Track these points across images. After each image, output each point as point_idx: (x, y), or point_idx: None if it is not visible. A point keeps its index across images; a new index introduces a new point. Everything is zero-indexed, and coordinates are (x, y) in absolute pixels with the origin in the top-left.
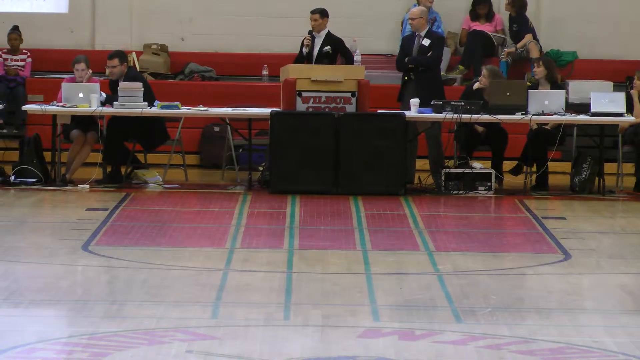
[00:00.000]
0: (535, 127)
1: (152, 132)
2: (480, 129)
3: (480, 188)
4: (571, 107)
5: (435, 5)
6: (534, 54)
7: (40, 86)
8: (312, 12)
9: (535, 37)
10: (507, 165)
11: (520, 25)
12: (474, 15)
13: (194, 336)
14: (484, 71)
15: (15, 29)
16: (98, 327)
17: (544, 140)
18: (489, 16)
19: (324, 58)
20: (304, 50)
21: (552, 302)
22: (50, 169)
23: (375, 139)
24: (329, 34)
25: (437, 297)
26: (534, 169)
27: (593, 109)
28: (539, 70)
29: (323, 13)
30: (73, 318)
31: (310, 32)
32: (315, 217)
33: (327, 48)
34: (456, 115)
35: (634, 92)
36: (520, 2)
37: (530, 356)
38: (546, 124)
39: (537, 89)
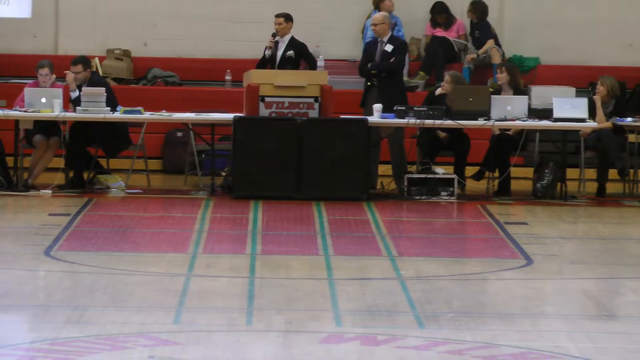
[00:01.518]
0: (497, 132)
1: (114, 138)
2: (442, 134)
3: (442, 193)
4: (534, 113)
5: (397, 10)
6: (496, 59)
7: (3, 91)
8: (277, 16)
9: (497, 43)
10: (470, 170)
11: (482, 31)
12: (434, 23)
13: (157, 341)
14: (447, 77)
15: None
16: (60, 333)
17: (506, 146)
18: (449, 23)
19: (287, 63)
20: (267, 52)
21: (514, 307)
22: (12, 174)
23: (338, 145)
24: (292, 39)
25: (399, 303)
26: (497, 174)
27: (555, 115)
28: (502, 76)
29: (288, 17)
30: (35, 323)
31: (274, 35)
32: (278, 223)
33: (291, 52)
34: (419, 120)
35: (596, 98)
36: (481, 8)
37: None
38: (509, 130)
39: (500, 94)
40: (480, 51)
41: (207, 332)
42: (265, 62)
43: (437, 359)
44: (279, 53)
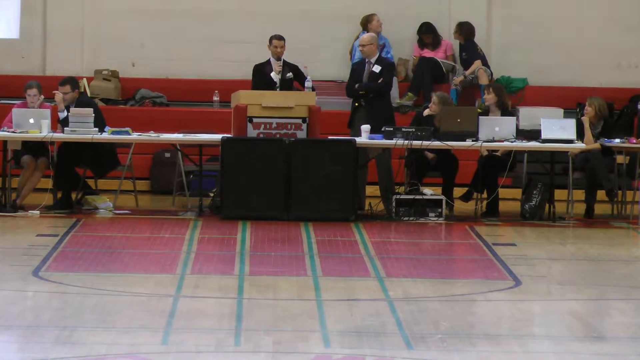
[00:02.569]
0: (485, 153)
1: (102, 158)
2: (430, 155)
3: (430, 214)
4: (522, 134)
5: (384, 31)
6: (483, 80)
7: None
8: (278, 39)
9: (485, 64)
10: (458, 191)
11: (469, 52)
12: (422, 43)
13: None
14: (434, 98)
15: None
16: (49, 353)
17: (494, 167)
18: (436, 44)
19: (287, 85)
20: (277, 76)
21: (502, 329)
22: (0, 195)
23: (326, 165)
24: (284, 61)
25: (387, 324)
26: (485, 195)
27: (543, 136)
28: (490, 97)
29: (284, 39)
30: (24, 344)
31: (278, 59)
32: (266, 243)
33: (290, 74)
34: (407, 141)
35: (584, 119)
36: (468, 29)
37: None
38: (496, 151)
39: (487, 115)
40: (468, 72)
41: (195, 353)
42: (274, 86)
43: None
44: (279, 76)
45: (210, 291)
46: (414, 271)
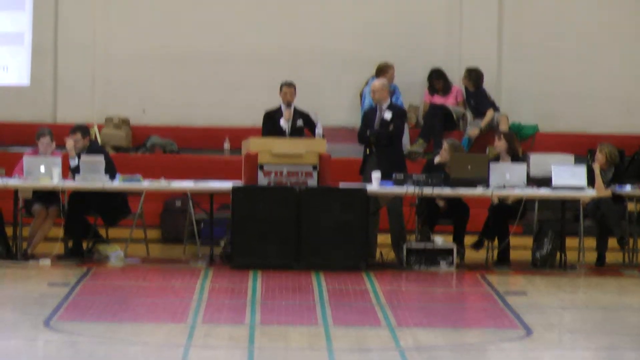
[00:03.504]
0: (496, 201)
1: (113, 206)
2: (441, 203)
3: (442, 263)
4: (532, 181)
5: (397, 79)
6: (504, 127)
7: (1, 159)
8: (288, 86)
9: (495, 109)
10: (469, 239)
11: (479, 100)
12: (432, 89)
13: None
14: (445, 145)
15: None
16: None
17: (505, 215)
18: (446, 89)
19: (299, 132)
20: (287, 124)
21: None
22: (11, 244)
23: (337, 213)
24: (295, 108)
25: None
26: (496, 243)
27: (554, 183)
28: (500, 144)
29: (295, 86)
30: None
31: (288, 105)
32: (277, 292)
33: (300, 122)
34: (418, 189)
35: (595, 166)
36: (476, 75)
37: None
38: (507, 199)
39: (498, 162)
40: (482, 123)
41: None
42: (282, 133)
43: None
44: (289, 123)
45: (221, 340)
46: (425, 320)
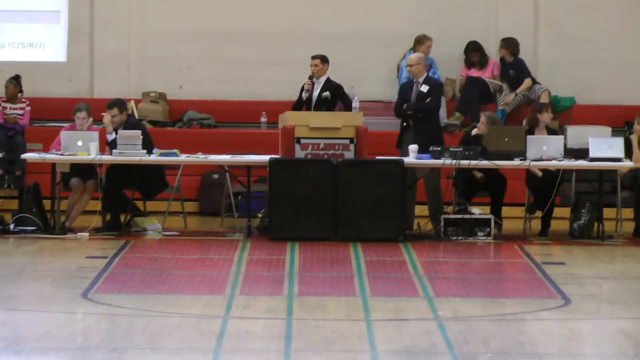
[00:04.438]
0: (540, 174)
1: (151, 180)
2: (478, 174)
3: (479, 234)
4: (570, 153)
5: (434, 52)
6: (545, 99)
7: (39, 134)
8: (313, 58)
9: (534, 81)
10: (506, 210)
11: (518, 69)
12: (469, 62)
13: None
14: (483, 118)
15: (14, 78)
16: None
17: (549, 185)
18: (483, 62)
19: (323, 104)
20: (304, 95)
21: (552, 348)
22: (49, 217)
23: (374, 186)
24: (328, 80)
25: (437, 343)
26: (538, 214)
27: (591, 155)
28: (546, 116)
29: (324, 59)
30: None
31: (310, 77)
32: (315, 264)
33: (327, 94)
34: (454, 161)
35: (633, 137)
36: (513, 44)
37: None
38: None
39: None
40: (519, 90)
41: None
42: (301, 104)
43: None
44: (315, 94)
45: (259, 312)
46: (463, 291)
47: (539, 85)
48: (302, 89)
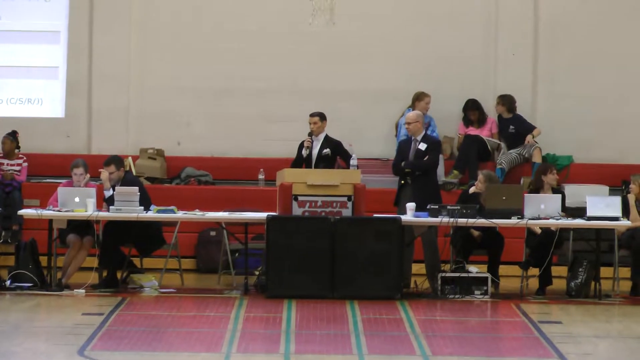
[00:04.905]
0: (539, 231)
1: (148, 237)
2: (476, 233)
3: (476, 292)
4: (567, 211)
5: (430, 109)
6: (537, 158)
7: (36, 190)
8: (312, 115)
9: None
10: (503, 269)
11: (518, 124)
12: (467, 120)
13: None
14: (480, 176)
15: (11, 134)
16: None
17: (548, 244)
18: (481, 120)
19: (323, 161)
20: (304, 152)
21: None
22: (46, 274)
23: (372, 243)
24: (327, 137)
25: None
26: (535, 272)
27: (589, 213)
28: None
29: (322, 116)
30: None
31: (310, 134)
32: (312, 322)
33: (327, 151)
34: (452, 219)
35: (630, 197)
36: (509, 100)
37: None
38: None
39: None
40: (531, 139)
41: None
42: (301, 161)
43: None
44: (315, 151)
45: None
46: (460, 349)
47: (530, 144)
48: (301, 146)
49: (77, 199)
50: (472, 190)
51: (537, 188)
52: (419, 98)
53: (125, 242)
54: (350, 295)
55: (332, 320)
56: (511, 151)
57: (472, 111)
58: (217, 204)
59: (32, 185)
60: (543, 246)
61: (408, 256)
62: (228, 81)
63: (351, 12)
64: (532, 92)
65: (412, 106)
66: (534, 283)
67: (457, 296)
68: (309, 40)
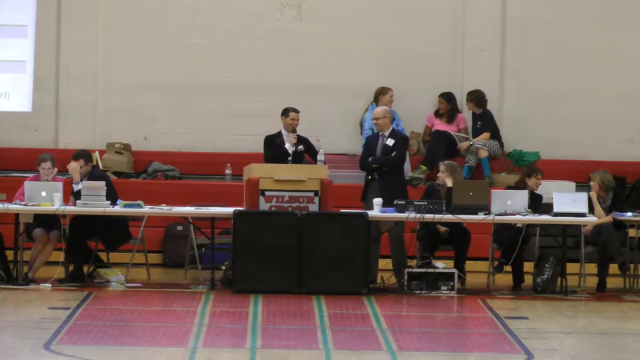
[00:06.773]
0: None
1: (114, 231)
2: (443, 228)
3: (443, 288)
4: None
5: (397, 103)
6: (482, 155)
7: (3, 184)
8: (296, 111)
9: (497, 136)
10: (470, 264)
11: (484, 122)
12: (437, 113)
13: None
14: (441, 167)
15: None
16: None
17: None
18: (452, 115)
19: (299, 156)
20: (290, 147)
21: None
22: (12, 268)
23: (339, 239)
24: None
25: None
26: (508, 268)
27: (556, 209)
28: (536, 182)
29: (299, 112)
30: None
31: (294, 131)
32: (278, 317)
33: (301, 147)
34: (419, 215)
35: (592, 194)
36: (478, 96)
37: None
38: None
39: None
40: (476, 140)
41: None
42: (286, 155)
43: None
44: (293, 148)
45: None
46: (427, 345)
47: (494, 141)
48: (271, 142)
49: (43, 193)
50: (437, 181)
51: (519, 189)
52: (383, 92)
53: (92, 237)
54: (317, 291)
55: (299, 315)
56: (469, 140)
57: (446, 103)
58: (184, 198)
59: None
60: (514, 244)
61: (375, 251)
62: (195, 76)
63: (318, 8)
64: (499, 88)
65: (376, 101)
66: (500, 279)
67: (423, 292)
68: (276, 36)
